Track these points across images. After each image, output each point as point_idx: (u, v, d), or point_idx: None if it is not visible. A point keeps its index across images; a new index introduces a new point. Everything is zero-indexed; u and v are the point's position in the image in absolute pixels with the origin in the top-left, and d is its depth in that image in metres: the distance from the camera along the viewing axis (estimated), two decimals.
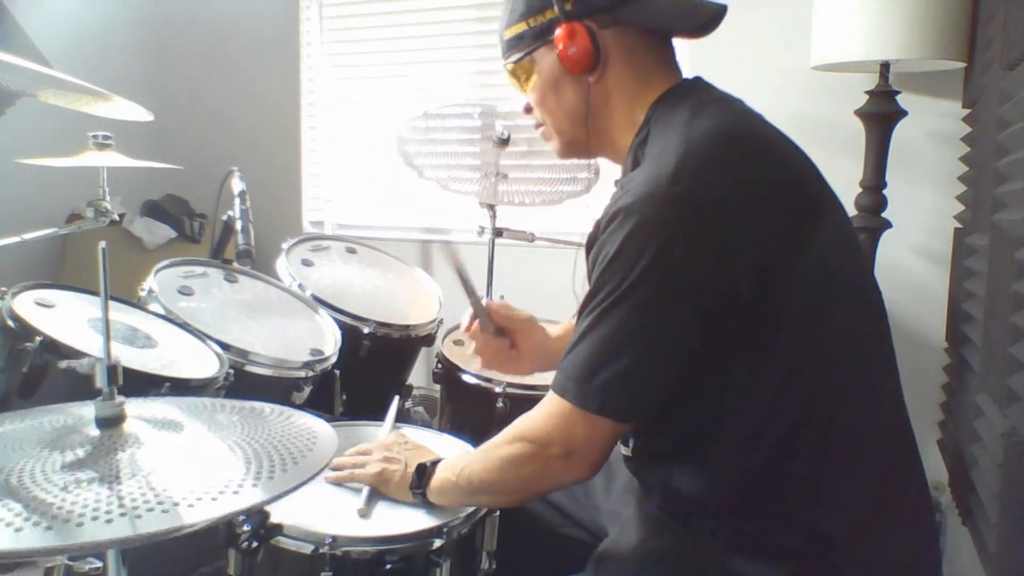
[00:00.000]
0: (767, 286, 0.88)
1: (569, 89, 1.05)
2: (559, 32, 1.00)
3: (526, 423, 0.99)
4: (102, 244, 0.80)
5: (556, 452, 0.94)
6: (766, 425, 0.91)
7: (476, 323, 1.30)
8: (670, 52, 1.06)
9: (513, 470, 0.99)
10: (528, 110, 1.13)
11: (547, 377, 1.50)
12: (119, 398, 0.83)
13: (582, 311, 0.93)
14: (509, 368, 1.34)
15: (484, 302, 1.29)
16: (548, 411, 0.96)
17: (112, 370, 0.82)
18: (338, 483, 1.16)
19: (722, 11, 1.04)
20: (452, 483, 1.06)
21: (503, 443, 1.01)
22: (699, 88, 1.04)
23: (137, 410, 0.86)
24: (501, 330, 1.30)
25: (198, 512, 0.68)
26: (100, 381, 0.82)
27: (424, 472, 1.09)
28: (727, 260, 0.87)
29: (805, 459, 0.92)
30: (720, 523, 0.96)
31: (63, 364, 0.91)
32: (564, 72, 1.03)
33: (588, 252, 0.97)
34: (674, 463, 1.00)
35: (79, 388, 0.94)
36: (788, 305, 0.90)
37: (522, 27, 1.04)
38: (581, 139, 1.09)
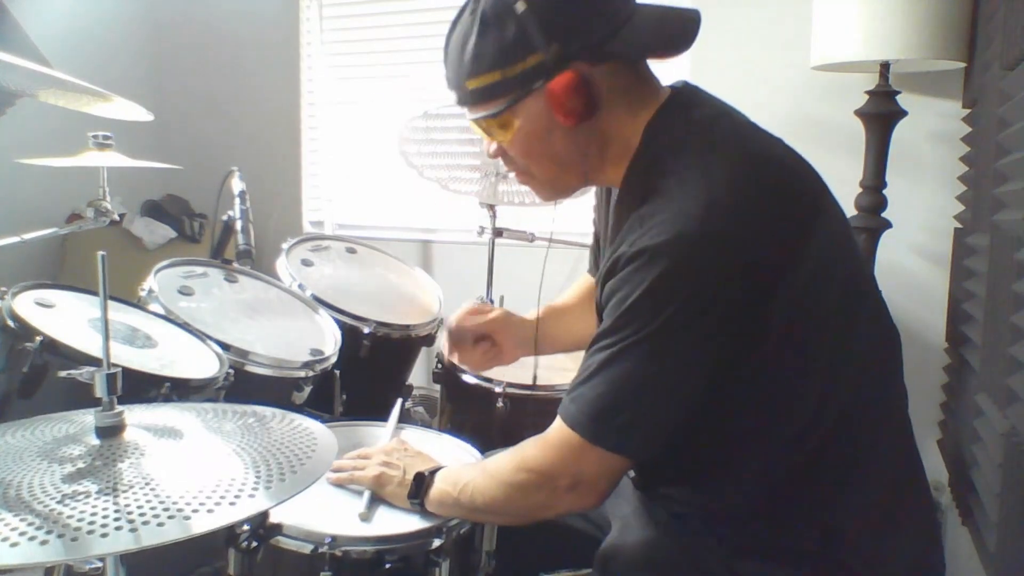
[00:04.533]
0: (797, 315, 0.87)
1: (560, 139, 0.96)
2: (555, 83, 0.91)
3: (534, 453, 0.96)
4: (101, 253, 0.80)
5: (565, 484, 0.93)
6: (780, 447, 0.91)
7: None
8: (648, 68, 1.00)
9: (519, 499, 0.98)
10: (498, 154, 1.03)
11: (546, 378, 1.50)
12: (119, 407, 0.83)
13: (596, 343, 0.90)
14: (494, 364, 1.38)
15: (456, 316, 1.33)
16: (557, 443, 0.93)
17: (111, 380, 0.82)
18: (338, 484, 1.16)
19: (696, 18, 0.97)
20: (453, 498, 1.05)
21: (509, 470, 0.99)
22: (693, 100, 0.98)
23: (137, 418, 0.86)
24: (479, 336, 1.33)
25: (198, 523, 0.68)
26: (99, 391, 0.82)
27: (423, 482, 1.08)
28: (760, 295, 0.85)
29: (818, 466, 0.92)
30: (729, 528, 0.96)
31: (63, 373, 0.90)
32: (556, 122, 0.94)
33: (602, 285, 0.92)
34: (683, 485, 1.00)
35: (80, 389, 0.94)
36: (816, 328, 0.89)
37: (495, 76, 0.92)
38: (572, 184, 1.03)
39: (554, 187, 1.05)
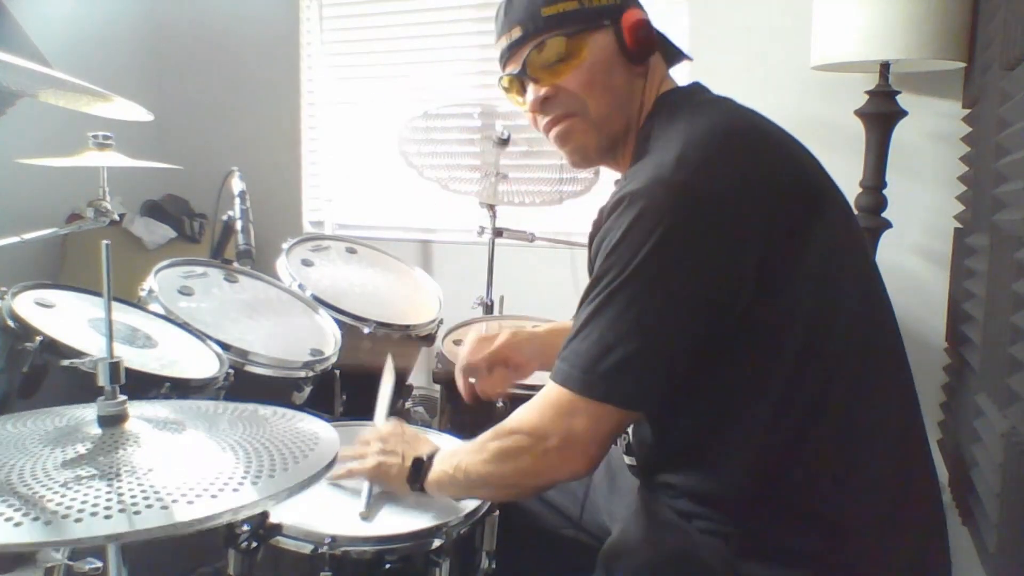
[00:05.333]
0: (771, 278, 0.88)
1: (620, 75, 1.05)
2: (630, 14, 1.04)
3: (522, 415, 0.98)
4: (106, 242, 0.80)
5: (553, 444, 0.93)
6: (776, 423, 0.91)
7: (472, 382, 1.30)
8: None
9: (508, 463, 0.98)
10: (545, 100, 1.06)
11: (545, 377, 1.49)
12: (121, 396, 0.83)
13: (584, 299, 0.93)
14: (514, 382, 1.34)
15: (464, 354, 1.29)
16: (546, 402, 0.95)
17: (114, 368, 0.82)
18: (337, 482, 1.15)
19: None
20: (449, 476, 1.05)
21: (499, 436, 1.00)
22: (697, 89, 1.09)
23: (139, 410, 0.86)
24: (492, 363, 1.29)
25: (195, 509, 0.68)
26: (102, 379, 0.82)
27: (421, 466, 1.09)
28: (730, 250, 0.87)
29: (817, 454, 0.92)
30: (732, 524, 0.95)
31: (66, 362, 0.91)
32: (620, 57, 1.04)
33: (591, 241, 0.97)
34: (682, 468, 1.00)
35: (79, 388, 0.94)
36: (794, 298, 0.90)
37: (573, 4, 1.03)
38: (619, 131, 1.07)
39: (600, 130, 1.07)
